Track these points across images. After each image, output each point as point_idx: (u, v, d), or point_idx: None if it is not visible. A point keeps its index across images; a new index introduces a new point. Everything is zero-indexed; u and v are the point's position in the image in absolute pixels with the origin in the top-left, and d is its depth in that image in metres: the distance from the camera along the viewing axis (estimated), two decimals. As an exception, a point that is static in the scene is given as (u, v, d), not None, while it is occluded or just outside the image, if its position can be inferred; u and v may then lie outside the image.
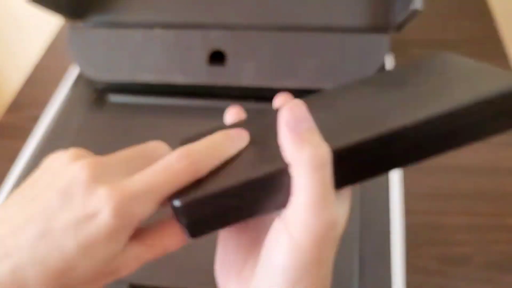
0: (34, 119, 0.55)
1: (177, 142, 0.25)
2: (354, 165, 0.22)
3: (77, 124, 0.53)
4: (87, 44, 0.55)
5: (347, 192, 0.24)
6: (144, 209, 0.20)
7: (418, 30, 0.62)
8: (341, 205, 0.23)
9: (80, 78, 0.58)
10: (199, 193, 0.21)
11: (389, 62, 0.53)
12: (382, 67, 0.50)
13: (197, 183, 0.22)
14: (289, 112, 0.21)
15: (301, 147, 0.20)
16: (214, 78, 0.52)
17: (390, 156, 0.22)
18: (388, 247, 0.41)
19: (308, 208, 0.20)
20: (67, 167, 0.21)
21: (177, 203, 0.21)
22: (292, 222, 0.20)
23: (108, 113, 0.55)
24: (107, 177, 0.21)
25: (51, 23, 0.70)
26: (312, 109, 0.22)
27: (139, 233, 0.22)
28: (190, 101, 0.55)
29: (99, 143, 0.52)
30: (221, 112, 0.29)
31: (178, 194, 0.22)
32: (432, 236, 0.44)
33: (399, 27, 0.49)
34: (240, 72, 0.52)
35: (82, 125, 0.53)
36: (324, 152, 0.20)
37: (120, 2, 0.55)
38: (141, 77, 0.53)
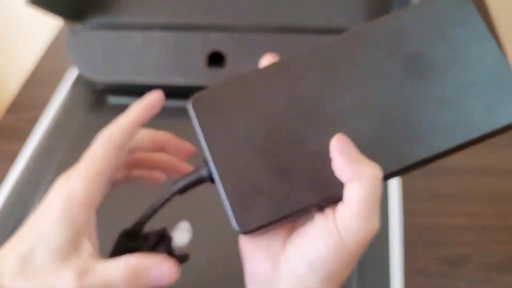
0: (33, 120, 0.55)
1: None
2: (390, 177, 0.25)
3: (76, 125, 0.53)
4: (86, 46, 0.55)
5: None
6: (85, 186, 0.25)
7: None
8: None
9: (79, 79, 0.58)
10: (258, 219, 0.24)
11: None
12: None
13: (249, 187, 0.25)
14: (338, 142, 0.24)
15: (360, 165, 0.23)
16: (214, 80, 0.52)
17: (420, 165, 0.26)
18: (387, 248, 0.41)
19: (361, 218, 0.23)
20: None
21: (236, 227, 0.24)
22: (343, 227, 0.23)
23: (107, 115, 0.55)
24: None
25: (50, 24, 0.70)
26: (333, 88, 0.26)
27: None
28: (189, 103, 0.55)
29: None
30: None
31: (239, 209, 0.24)
32: (432, 237, 0.44)
33: (398, 28, 0.49)
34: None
35: (81, 126, 0.53)
36: (378, 169, 0.23)
37: (119, 4, 0.55)
38: (140, 79, 0.53)
